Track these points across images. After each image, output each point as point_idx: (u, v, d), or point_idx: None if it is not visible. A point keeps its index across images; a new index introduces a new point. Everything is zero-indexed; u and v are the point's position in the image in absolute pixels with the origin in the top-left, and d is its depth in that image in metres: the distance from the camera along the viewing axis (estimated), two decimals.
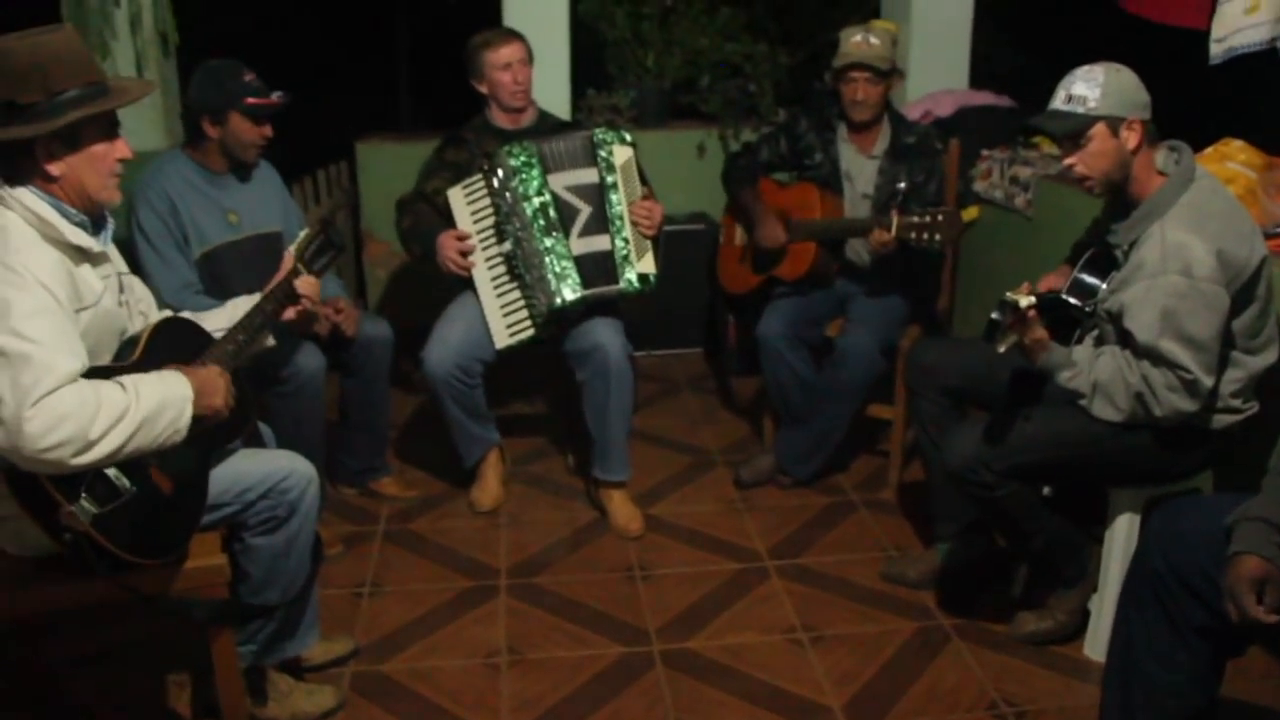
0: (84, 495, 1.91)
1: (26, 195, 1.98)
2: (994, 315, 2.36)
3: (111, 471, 1.96)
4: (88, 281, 2.05)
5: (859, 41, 3.37)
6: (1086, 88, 2.43)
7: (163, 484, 2.06)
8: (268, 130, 3.01)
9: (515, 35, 3.45)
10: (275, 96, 2.97)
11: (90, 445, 1.86)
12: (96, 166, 2.04)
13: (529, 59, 3.45)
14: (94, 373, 1.94)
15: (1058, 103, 2.48)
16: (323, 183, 4.52)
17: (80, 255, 2.05)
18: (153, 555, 2.03)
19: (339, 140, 4.83)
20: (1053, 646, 2.78)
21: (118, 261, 2.24)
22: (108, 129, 2.05)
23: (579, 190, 3.29)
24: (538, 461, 3.90)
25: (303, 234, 2.64)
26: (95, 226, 2.10)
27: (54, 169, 1.99)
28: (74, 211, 2.03)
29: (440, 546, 3.32)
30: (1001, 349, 2.39)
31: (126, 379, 1.97)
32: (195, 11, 4.29)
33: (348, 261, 4.76)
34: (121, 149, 2.08)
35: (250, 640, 2.44)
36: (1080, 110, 2.43)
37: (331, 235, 2.67)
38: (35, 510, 1.90)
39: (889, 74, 3.42)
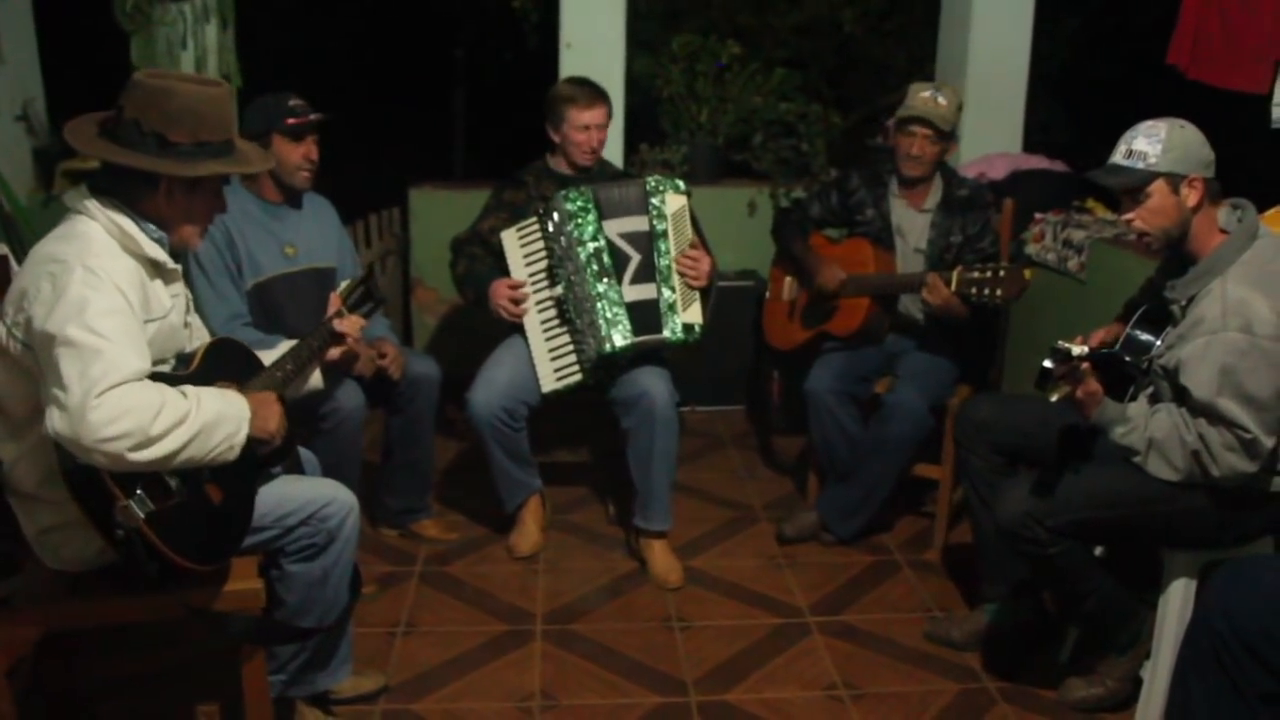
0: (139, 491, 1.93)
1: (111, 207, 2.05)
2: (1046, 363, 2.32)
3: (166, 474, 1.98)
4: (158, 295, 2.11)
5: (927, 97, 3.36)
6: (1148, 143, 2.40)
7: (213, 493, 2.08)
8: (311, 151, 3.04)
9: (602, 97, 3.40)
10: (314, 116, 3.02)
11: (150, 441, 1.88)
12: (198, 216, 2.15)
13: (608, 121, 3.44)
14: (153, 379, 1.97)
15: (1118, 157, 2.45)
16: (374, 227, 4.58)
17: (155, 269, 2.11)
18: (200, 560, 2.03)
19: (393, 187, 4.89)
20: (1102, 714, 2.68)
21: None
22: (220, 187, 2.17)
23: (631, 237, 3.29)
24: (579, 510, 3.87)
25: (344, 284, 2.72)
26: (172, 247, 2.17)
27: (167, 207, 2.09)
28: (153, 228, 2.11)
29: (477, 590, 3.28)
30: (1054, 398, 2.35)
31: (188, 388, 2.01)
32: (261, 58, 4.39)
33: (395, 307, 4.80)
34: (221, 204, 2.20)
35: (280, 670, 2.42)
36: (1140, 166, 2.40)
37: (372, 288, 2.75)
38: (92, 504, 1.92)
39: (949, 135, 3.41)
